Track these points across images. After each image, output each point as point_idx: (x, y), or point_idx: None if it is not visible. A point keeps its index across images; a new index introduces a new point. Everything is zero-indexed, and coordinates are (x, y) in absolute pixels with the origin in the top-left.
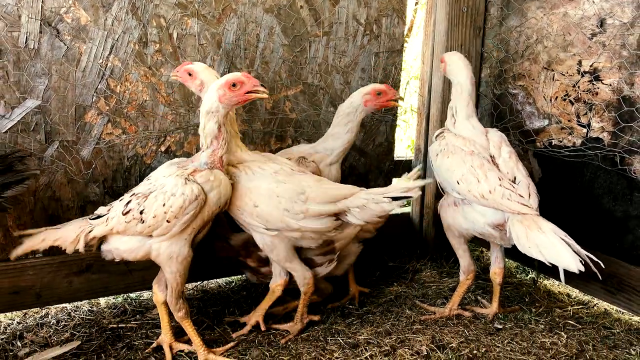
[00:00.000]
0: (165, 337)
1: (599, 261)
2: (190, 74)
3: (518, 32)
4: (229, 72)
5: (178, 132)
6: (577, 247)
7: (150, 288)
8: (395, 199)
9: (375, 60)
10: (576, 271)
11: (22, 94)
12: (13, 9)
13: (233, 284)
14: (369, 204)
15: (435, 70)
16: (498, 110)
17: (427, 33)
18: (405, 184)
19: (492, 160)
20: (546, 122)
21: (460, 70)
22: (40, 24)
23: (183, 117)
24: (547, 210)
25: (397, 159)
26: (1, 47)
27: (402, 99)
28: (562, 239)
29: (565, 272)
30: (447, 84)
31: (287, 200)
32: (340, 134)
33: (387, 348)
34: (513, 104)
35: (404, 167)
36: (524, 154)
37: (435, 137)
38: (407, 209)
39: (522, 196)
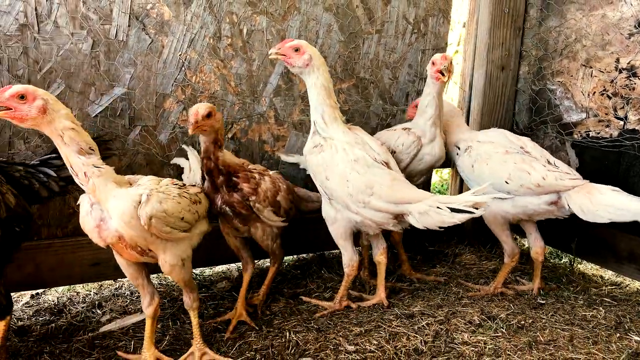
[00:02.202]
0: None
1: None
2: (297, 50)
3: (557, 32)
4: None
5: (243, 121)
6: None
7: (211, 265)
8: (457, 211)
9: (422, 57)
10: None
11: (111, 82)
12: (106, 3)
13: None
14: (430, 212)
15: (477, 67)
16: (536, 104)
17: (470, 32)
18: (471, 198)
19: (524, 150)
20: (584, 115)
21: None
22: (129, 18)
23: (249, 106)
24: None
25: None
26: (94, 38)
27: (449, 72)
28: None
29: (599, 254)
30: (488, 81)
31: (354, 187)
32: (422, 107)
33: (441, 318)
34: (551, 99)
35: None
36: (561, 145)
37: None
38: None
39: (568, 173)
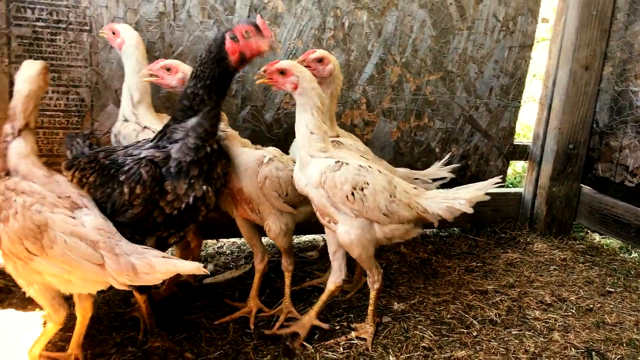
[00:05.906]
0: None
1: None
2: (169, 69)
3: None
4: (384, 58)
5: (338, 106)
6: None
7: (306, 233)
8: None
9: (508, 54)
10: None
11: None
12: None
13: None
14: None
15: (562, 65)
16: (618, 104)
17: (556, 32)
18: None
19: None
20: None
21: None
22: (249, 10)
23: (344, 92)
24: None
25: (515, 143)
26: (219, 27)
27: None
28: None
29: None
30: (572, 79)
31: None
32: None
33: (513, 296)
34: (633, 100)
35: (521, 151)
36: (638, 145)
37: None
38: (520, 189)
39: None
